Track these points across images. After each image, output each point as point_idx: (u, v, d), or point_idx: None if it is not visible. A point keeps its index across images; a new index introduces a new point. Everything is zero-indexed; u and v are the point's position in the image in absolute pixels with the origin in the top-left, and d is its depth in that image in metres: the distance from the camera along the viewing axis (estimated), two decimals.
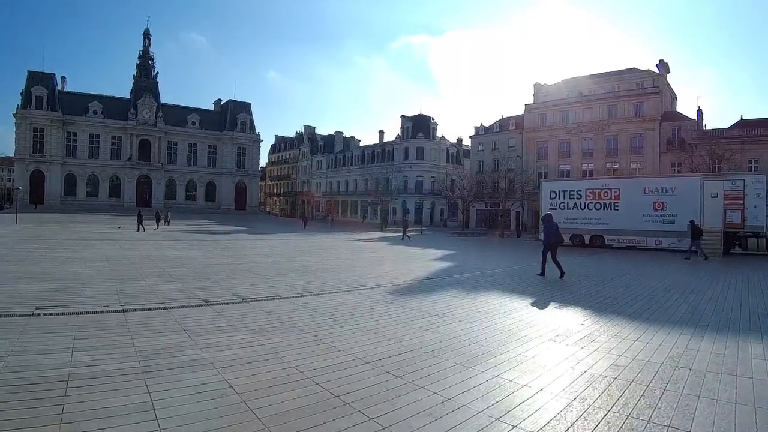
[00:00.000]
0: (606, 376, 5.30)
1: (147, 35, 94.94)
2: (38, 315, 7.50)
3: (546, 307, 9.93)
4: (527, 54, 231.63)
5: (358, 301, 9.80)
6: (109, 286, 10.72)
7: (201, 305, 8.83)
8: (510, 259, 22.65)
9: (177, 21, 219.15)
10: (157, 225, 40.49)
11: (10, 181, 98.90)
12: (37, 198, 75.53)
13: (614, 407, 4.41)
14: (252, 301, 9.48)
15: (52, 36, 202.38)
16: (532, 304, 10.12)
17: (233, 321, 7.64)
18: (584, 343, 6.83)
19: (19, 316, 7.38)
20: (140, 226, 36.28)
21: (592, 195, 33.03)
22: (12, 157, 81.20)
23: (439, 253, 25.03)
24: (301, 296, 10.22)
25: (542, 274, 14.60)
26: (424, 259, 21.04)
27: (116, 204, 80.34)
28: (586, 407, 4.42)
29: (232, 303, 9.20)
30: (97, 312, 7.86)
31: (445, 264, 19.18)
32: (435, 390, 4.79)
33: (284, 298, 9.97)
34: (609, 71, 64.68)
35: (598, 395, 4.72)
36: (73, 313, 7.67)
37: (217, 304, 9.02)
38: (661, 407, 4.42)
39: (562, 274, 14.23)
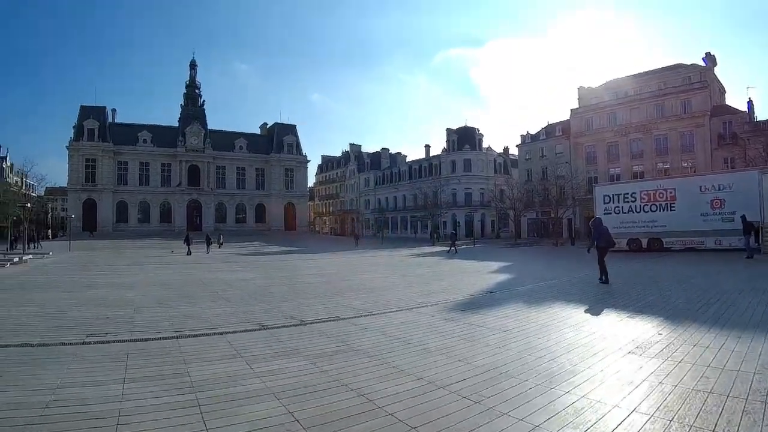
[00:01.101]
0: (698, 391, 4.81)
1: (193, 66, 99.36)
2: (89, 343, 7.36)
3: (617, 316, 9.29)
4: (569, 58, 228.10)
5: (421, 320, 9.36)
6: (162, 311, 10.64)
7: (257, 329, 8.53)
8: (568, 268, 21.84)
9: (221, 52, 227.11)
10: (208, 248, 41.11)
11: (63, 210, 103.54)
12: (89, 225, 78.97)
13: (718, 428, 3.91)
14: (310, 323, 9.10)
15: (104, 71, 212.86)
16: (602, 315, 9.58)
17: (292, 345, 7.27)
18: (666, 354, 6.30)
19: (69, 344, 7.26)
20: (189, 249, 36.85)
21: (647, 197, 32.07)
22: (65, 187, 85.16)
23: (495, 265, 24.49)
24: (360, 316, 9.83)
25: (606, 281, 14.17)
26: (481, 273, 20.51)
27: (167, 229, 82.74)
28: (687, 429, 3.92)
29: (289, 326, 8.86)
30: (150, 339, 7.66)
31: (502, 276, 18.65)
32: (520, 416, 4.31)
33: (343, 318, 9.58)
34: (654, 69, 63.17)
35: (696, 414, 4.23)
36: (125, 341, 7.49)
37: (273, 327, 8.70)
38: None
39: (605, 278, 14.15)
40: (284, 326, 8.82)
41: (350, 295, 13.37)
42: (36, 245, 48.45)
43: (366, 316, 9.87)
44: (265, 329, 8.53)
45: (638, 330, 7.89)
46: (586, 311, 9.96)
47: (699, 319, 8.51)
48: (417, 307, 10.87)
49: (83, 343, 7.33)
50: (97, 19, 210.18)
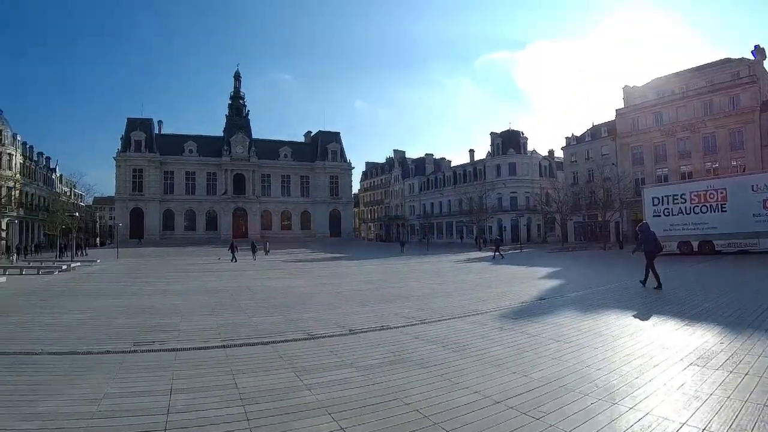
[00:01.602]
0: None
1: (237, 77, 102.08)
2: (135, 351, 7.36)
3: (674, 325, 8.84)
4: (613, 57, 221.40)
5: (473, 328, 9.07)
6: (209, 319, 10.62)
7: (305, 338, 8.37)
8: (618, 273, 21.16)
9: (265, 63, 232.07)
10: (254, 256, 41.52)
11: (111, 218, 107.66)
12: (137, 233, 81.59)
13: None
14: (359, 332, 8.88)
15: (150, 84, 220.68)
16: (658, 323, 9.17)
17: (342, 356, 7.05)
18: (731, 365, 5.94)
19: (116, 352, 7.26)
20: (234, 257, 37.31)
21: (697, 198, 31.18)
22: (113, 196, 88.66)
23: (543, 270, 24.10)
24: (410, 325, 9.56)
25: (659, 287, 13.82)
26: (530, 279, 20.16)
27: (213, 236, 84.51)
28: None
29: (338, 335, 8.66)
30: (197, 348, 7.59)
31: (552, 282, 18.23)
32: None
33: (393, 327, 9.32)
34: (700, 65, 60.90)
35: None
36: (172, 350, 7.43)
37: (322, 336, 8.51)
38: None
39: (658, 284, 13.85)
40: (333, 335, 8.63)
41: (399, 302, 13.12)
42: (83, 253, 50.03)
43: (417, 324, 9.60)
44: (313, 338, 8.35)
45: (698, 339, 7.49)
46: (641, 319, 9.59)
47: (761, 327, 8.13)
48: (469, 315, 10.56)
49: (130, 352, 7.32)
50: (142, 33, 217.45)
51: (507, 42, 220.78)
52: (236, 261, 36.36)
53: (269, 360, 6.83)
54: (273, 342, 8.00)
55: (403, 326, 9.42)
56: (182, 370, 6.24)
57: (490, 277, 21.52)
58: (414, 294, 15.04)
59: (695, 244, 30.92)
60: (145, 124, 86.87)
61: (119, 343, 7.85)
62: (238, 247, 40.03)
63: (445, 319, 10.11)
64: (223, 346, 7.66)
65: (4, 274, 23.05)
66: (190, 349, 7.50)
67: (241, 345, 7.79)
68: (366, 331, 8.92)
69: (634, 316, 9.81)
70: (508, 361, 6.52)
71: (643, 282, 14.44)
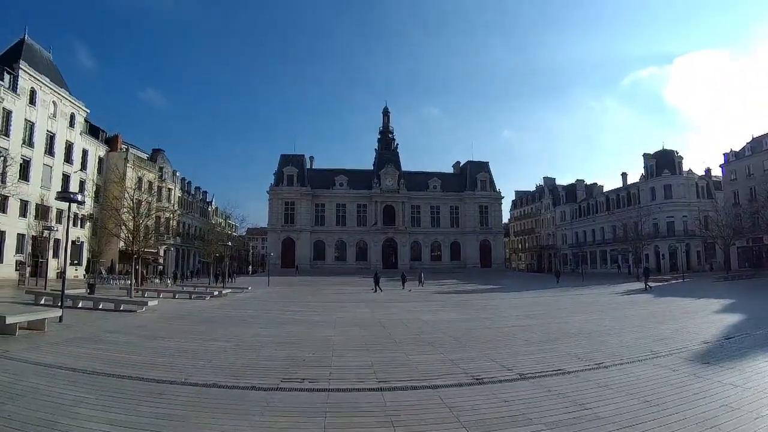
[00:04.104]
0: None
1: (386, 113, 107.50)
2: (283, 389, 6.95)
3: None
4: None
5: (661, 375, 7.91)
6: (362, 355, 10.08)
7: (472, 383, 7.48)
8: None
9: (412, 99, 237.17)
10: (404, 285, 41.38)
11: (263, 248, 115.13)
12: (288, 262, 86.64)
13: None
14: (531, 377, 7.87)
15: (302, 123, 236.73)
16: None
17: (518, 407, 6.09)
18: None
19: (262, 389, 6.90)
20: (377, 287, 37.35)
21: None
22: (265, 227, 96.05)
23: (715, 303, 22.01)
24: (588, 369, 8.48)
25: None
26: (704, 313, 18.34)
27: (363, 267, 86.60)
28: None
29: (508, 380, 7.70)
30: (351, 390, 7.01)
31: (731, 318, 16.33)
32: None
33: (569, 372, 8.21)
34: None
35: None
36: (323, 390, 6.94)
37: (490, 381, 7.56)
38: None
39: None
40: (503, 380, 7.66)
41: (567, 340, 12.03)
42: (232, 280, 53.18)
43: (595, 369, 8.51)
44: (481, 383, 7.44)
45: None
46: None
47: None
48: (650, 358, 9.41)
49: (277, 389, 6.94)
50: (296, 79, 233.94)
51: (654, 57, 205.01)
52: (381, 291, 36.31)
53: (432, 409, 6.05)
54: (436, 386, 7.20)
55: (580, 370, 8.39)
56: (334, 416, 5.67)
57: (657, 311, 19.79)
58: (582, 331, 13.85)
59: None
60: (297, 160, 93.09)
61: (266, 378, 7.56)
62: (393, 278, 39.99)
63: (625, 363, 8.96)
64: (380, 389, 7.01)
65: (157, 298, 24.62)
66: (342, 390, 6.95)
67: (399, 388, 7.08)
68: (539, 376, 7.95)
69: None
70: (719, 423, 5.41)
71: None
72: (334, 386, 7.10)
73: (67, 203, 15.70)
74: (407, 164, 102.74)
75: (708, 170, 77.63)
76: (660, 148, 75.09)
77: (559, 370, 8.35)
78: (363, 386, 7.16)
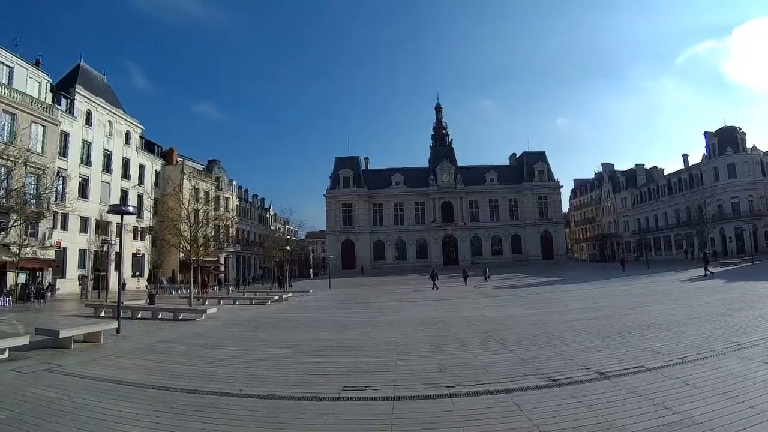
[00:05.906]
0: None
1: (438, 109, 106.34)
2: (345, 399, 6.59)
3: None
4: None
5: (751, 370, 7.14)
6: (428, 357, 9.62)
7: (548, 385, 6.91)
8: None
9: (464, 92, 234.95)
10: (466, 281, 40.73)
11: (323, 251, 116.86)
12: (349, 264, 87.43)
13: None
14: (611, 375, 7.25)
15: (355, 126, 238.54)
16: None
17: (603, 413, 5.50)
18: None
19: (321, 399, 6.59)
20: (434, 284, 36.80)
21: None
22: (324, 231, 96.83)
23: None
24: (671, 364, 7.77)
25: None
26: None
27: (424, 264, 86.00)
28: None
29: (587, 380, 7.10)
30: (417, 397, 6.57)
31: None
32: None
33: (651, 369, 7.54)
34: None
35: None
36: (388, 399, 6.51)
37: (568, 383, 6.96)
38: None
39: None
40: (581, 381, 7.07)
41: (642, 333, 11.24)
42: (289, 284, 53.65)
43: (677, 364, 7.81)
44: (558, 386, 6.86)
45: None
46: None
47: None
48: (734, 350, 8.63)
49: (338, 399, 6.59)
50: (344, 82, 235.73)
51: (711, 30, 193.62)
52: (437, 288, 35.84)
53: (508, 417, 5.56)
54: (509, 390, 6.68)
55: (662, 366, 7.68)
56: (401, 429, 5.23)
57: (730, 298, 18.57)
58: (656, 322, 12.99)
59: None
60: (352, 162, 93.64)
61: (325, 387, 7.23)
62: (438, 275, 39.40)
63: (709, 356, 8.22)
64: (449, 395, 6.56)
65: (217, 305, 24.79)
66: (409, 398, 6.51)
67: (470, 394, 6.61)
68: (619, 375, 7.31)
69: None
70: None
71: None
72: (400, 393, 6.69)
73: (120, 215, 16.00)
74: (462, 159, 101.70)
75: None
76: (722, 126, 71.13)
77: (640, 366, 7.69)
78: (431, 392, 6.72)
